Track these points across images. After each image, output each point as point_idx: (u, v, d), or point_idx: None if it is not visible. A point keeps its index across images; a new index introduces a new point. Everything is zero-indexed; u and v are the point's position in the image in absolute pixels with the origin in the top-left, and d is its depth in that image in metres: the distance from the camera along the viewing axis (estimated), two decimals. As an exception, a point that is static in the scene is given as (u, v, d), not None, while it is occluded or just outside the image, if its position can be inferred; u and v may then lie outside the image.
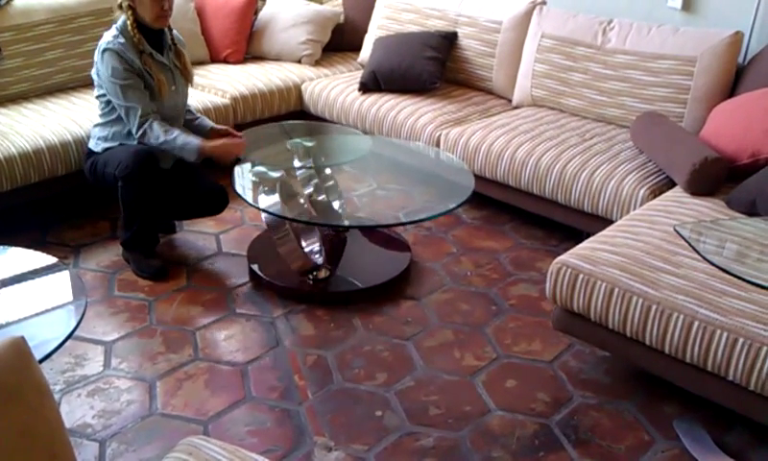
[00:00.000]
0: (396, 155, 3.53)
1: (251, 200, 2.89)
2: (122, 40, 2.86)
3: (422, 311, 2.85)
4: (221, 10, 4.36)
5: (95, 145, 3.06)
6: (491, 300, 2.94)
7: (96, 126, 3.07)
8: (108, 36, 2.88)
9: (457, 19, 4.08)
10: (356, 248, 3.22)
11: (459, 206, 2.85)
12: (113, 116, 2.98)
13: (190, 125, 3.24)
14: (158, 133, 2.86)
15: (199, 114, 3.30)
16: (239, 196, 2.90)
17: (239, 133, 3.18)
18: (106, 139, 3.02)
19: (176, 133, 2.88)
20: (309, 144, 3.06)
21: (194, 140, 2.89)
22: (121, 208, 2.95)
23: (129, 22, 2.87)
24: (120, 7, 2.90)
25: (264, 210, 2.85)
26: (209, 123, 3.25)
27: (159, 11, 2.88)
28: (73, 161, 3.25)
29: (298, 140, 3.08)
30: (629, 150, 3.23)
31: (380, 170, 3.61)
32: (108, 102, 2.96)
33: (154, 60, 2.94)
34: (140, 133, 2.87)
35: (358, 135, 3.49)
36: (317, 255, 3.04)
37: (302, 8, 4.50)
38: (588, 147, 3.25)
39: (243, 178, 3.11)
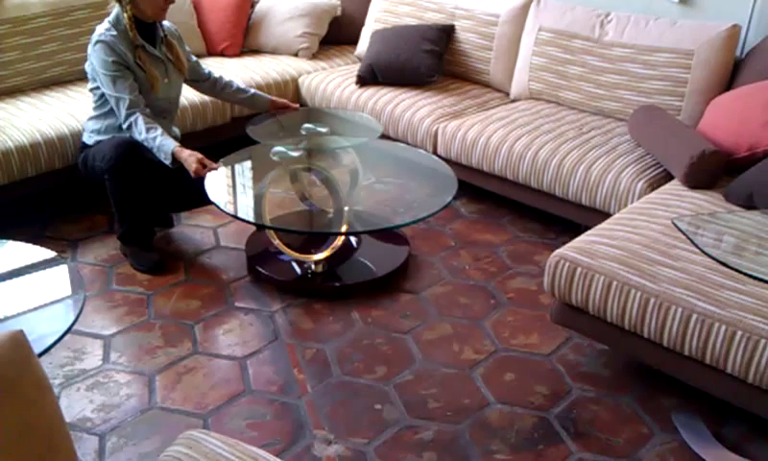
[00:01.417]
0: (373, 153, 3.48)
1: (225, 206, 2.83)
2: (114, 33, 2.87)
3: (421, 305, 2.86)
4: (217, 3, 4.34)
5: (88, 138, 3.06)
6: (489, 293, 2.94)
7: (90, 119, 3.07)
8: (101, 29, 2.89)
9: (454, 12, 4.07)
10: (353, 242, 3.21)
11: (445, 206, 2.84)
12: (106, 109, 2.98)
13: (245, 101, 3.38)
14: (141, 129, 2.84)
15: (251, 89, 3.42)
16: (210, 201, 2.82)
17: (296, 105, 3.38)
18: (98, 132, 3.02)
19: (157, 132, 2.84)
20: (323, 130, 3.08)
21: (170, 144, 2.82)
22: (111, 200, 2.95)
23: (126, 15, 2.87)
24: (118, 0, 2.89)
25: (240, 219, 2.83)
26: (267, 96, 3.40)
27: (163, 3, 2.89)
28: (70, 155, 3.23)
29: (311, 125, 3.10)
30: (626, 143, 3.23)
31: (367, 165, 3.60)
32: (102, 95, 2.96)
33: (147, 53, 2.94)
34: (127, 124, 2.87)
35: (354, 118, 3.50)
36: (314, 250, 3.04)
37: (299, 1, 4.48)
38: (586, 140, 3.25)
39: (241, 175, 3.11)
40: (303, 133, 3.14)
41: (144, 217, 3.03)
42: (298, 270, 2.96)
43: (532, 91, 3.81)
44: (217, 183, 2.93)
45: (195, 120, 3.68)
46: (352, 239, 3.18)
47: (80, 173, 3.11)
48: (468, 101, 3.83)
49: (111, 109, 2.96)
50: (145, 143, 2.86)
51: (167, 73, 3.04)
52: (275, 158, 3.02)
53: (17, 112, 3.35)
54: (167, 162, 2.83)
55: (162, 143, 2.83)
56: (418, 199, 3.03)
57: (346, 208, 3.03)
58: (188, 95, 3.54)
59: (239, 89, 3.37)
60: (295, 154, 3.03)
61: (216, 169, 2.85)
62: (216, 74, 3.34)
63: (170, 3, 2.93)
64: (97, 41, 2.87)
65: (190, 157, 2.80)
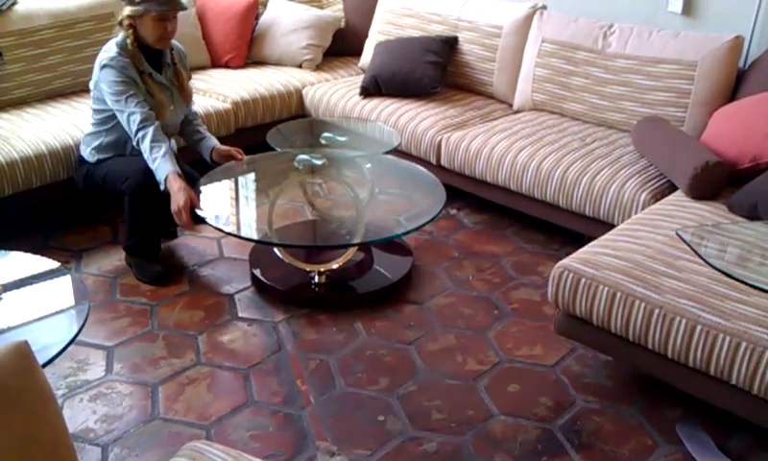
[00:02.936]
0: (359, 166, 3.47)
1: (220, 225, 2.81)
2: (123, 58, 2.83)
3: (425, 316, 2.85)
4: (222, 15, 4.37)
5: (88, 155, 3.04)
6: (493, 304, 2.94)
7: (88, 135, 3.06)
8: (110, 53, 2.84)
9: (458, 24, 4.09)
10: (358, 252, 3.21)
11: (435, 217, 2.84)
12: (106, 127, 2.97)
13: (195, 144, 3.18)
14: (147, 147, 2.79)
15: (206, 134, 3.20)
16: (203, 221, 2.80)
17: (242, 157, 3.12)
18: (99, 150, 3.01)
19: (159, 153, 2.78)
20: (342, 139, 3.10)
21: (166, 171, 2.76)
22: (126, 218, 2.95)
23: (129, 41, 2.84)
24: (120, 24, 2.87)
25: (233, 235, 2.82)
26: (214, 142, 3.15)
27: (163, 32, 2.85)
28: (75, 166, 3.24)
29: (330, 134, 3.12)
30: (630, 154, 3.23)
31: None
32: (102, 112, 2.95)
33: (153, 80, 2.93)
34: (136, 139, 2.82)
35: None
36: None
37: (303, 12, 4.51)
38: (590, 151, 3.26)
39: (245, 188, 3.11)
40: (323, 142, 3.15)
41: (154, 231, 3.03)
42: (304, 269, 2.94)
43: (535, 102, 3.82)
44: (218, 198, 2.95)
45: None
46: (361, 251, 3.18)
47: (77, 187, 3.11)
48: (472, 112, 3.84)
49: (111, 128, 2.95)
50: (147, 160, 2.83)
51: (173, 100, 3.02)
52: (299, 167, 3.02)
53: (22, 124, 3.37)
54: (160, 183, 2.78)
55: (160, 166, 2.77)
56: (411, 210, 3.01)
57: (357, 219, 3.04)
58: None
59: (197, 130, 3.20)
60: (318, 162, 3.03)
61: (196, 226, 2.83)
62: (198, 119, 3.25)
63: (172, 32, 2.88)
64: (105, 65, 2.82)
65: (178, 194, 2.72)
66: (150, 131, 2.80)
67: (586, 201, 3.07)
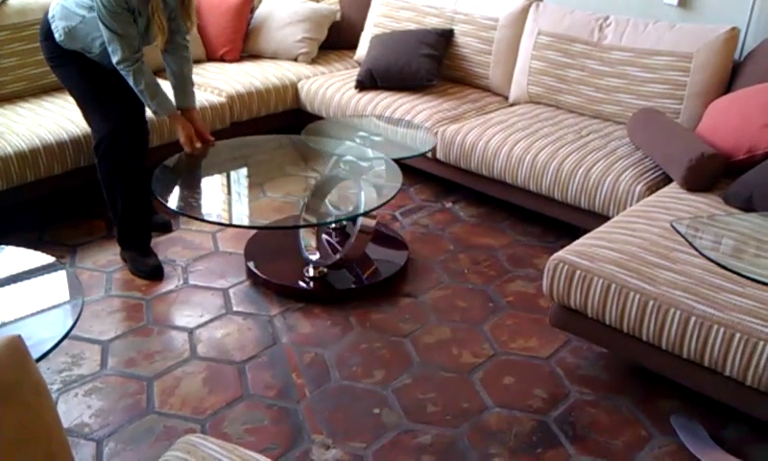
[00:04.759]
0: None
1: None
2: None
3: (420, 308, 2.85)
4: (217, 8, 4.36)
5: (57, 32, 2.86)
6: (488, 297, 2.94)
7: (62, 6, 2.85)
8: None
9: (454, 16, 4.08)
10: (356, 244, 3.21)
11: (396, 194, 2.86)
12: (85, 14, 2.81)
13: (171, 78, 3.08)
14: (141, 83, 2.80)
15: (191, 88, 3.11)
16: (171, 210, 2.79)
17: (211, 140, 3.15)
18: (68, 33, 2.85)
19: (158, 93, 2.87)
20: (377, 139, 3.13)
21: (168, 109, 2.94)
22: (101, 181, 2.95)
23: None
24: None
25: (205, 220, 2.80)
26: (194, 103, 3.11)
27: None
28: (69, 160, 3.24)
29: (365, 134, 3.13)
30: (625, 146, 3.23)
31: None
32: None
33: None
34: (123, 66, 2.74)
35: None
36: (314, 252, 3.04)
37: (299, 5, 4.50)
38: (585, 144, 3.26)
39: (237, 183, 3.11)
40: (358, 141, 3.17)
41: (137, 214, 3.01)
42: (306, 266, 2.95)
43: (531, 95, 3.82)
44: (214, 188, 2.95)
45: (194, 125, 3.68)
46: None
47: (42, 50, 3.00)
48: (468, 105, 3.83)
49: (89, 18, 2.78)
50: (141, 95, 2.83)
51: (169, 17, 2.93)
52: (344, 168, 3.03)
53: (17, 118, 3.36)
54: (160, 117, 2.95)
55: (162, 102, 2.91)
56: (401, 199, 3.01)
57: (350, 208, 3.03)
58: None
59: (182, 72, 3.05)
60: (364, 164, 3.05)
61: (210, 144, 3.06)
62: (186, 49, 3.08)
63: None
64: None
65: (184, 129, 2.99)
66: (142, 64, 2.79)
67: (581, 193, 3.07)
